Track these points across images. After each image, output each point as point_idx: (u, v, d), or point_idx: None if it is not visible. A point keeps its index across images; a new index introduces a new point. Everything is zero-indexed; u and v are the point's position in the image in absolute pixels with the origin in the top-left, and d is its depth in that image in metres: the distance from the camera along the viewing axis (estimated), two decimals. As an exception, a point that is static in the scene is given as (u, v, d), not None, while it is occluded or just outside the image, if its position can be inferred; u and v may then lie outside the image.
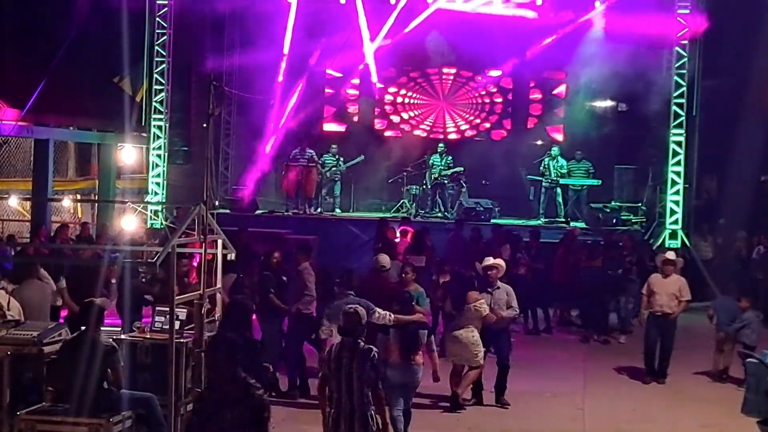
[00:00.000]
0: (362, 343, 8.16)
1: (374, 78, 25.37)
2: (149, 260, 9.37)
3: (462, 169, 23.56)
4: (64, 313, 13.43)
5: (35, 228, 20.59)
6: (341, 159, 23.92)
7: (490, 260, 13.04)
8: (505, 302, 12.52)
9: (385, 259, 12.90)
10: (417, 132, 26.63)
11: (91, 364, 9.04)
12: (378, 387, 8.12)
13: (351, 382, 7.95)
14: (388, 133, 26.63)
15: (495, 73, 26.09)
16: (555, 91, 26.10)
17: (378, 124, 26.81)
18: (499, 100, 26.39)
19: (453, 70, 26.41)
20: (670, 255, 15.07)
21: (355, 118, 26.88)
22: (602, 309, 17.69)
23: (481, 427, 11.77)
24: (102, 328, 9.52)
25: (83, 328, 9.31)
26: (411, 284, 12.53)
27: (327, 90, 26.86)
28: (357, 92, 26.85)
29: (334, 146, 24.18)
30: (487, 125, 26.40)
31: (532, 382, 13.32)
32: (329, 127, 26.88)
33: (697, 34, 21.92)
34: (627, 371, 14.81)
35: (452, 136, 26.19)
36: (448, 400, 12.34)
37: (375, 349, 8.25)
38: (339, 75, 26.54)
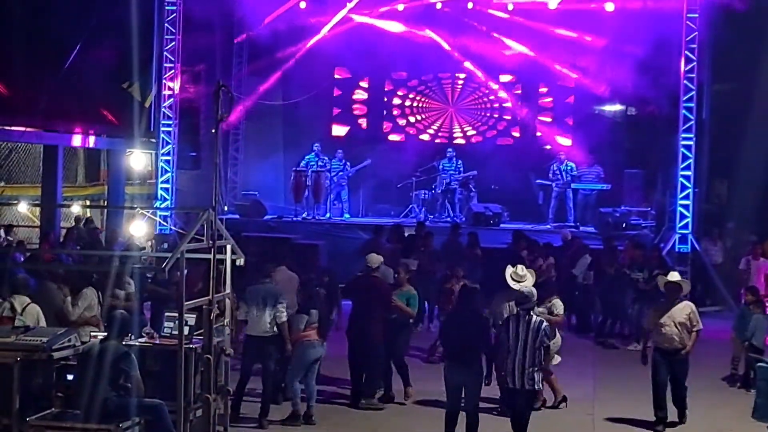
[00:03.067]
0: None
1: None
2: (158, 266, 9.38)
3: (475, 172, 23.58)
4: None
5: (44, 234, 20.61)
6: (348, 163, 23.94)
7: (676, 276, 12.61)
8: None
9: (373, 258, 13.01)
10: (425, 137, 26.67)
11: (105, 371, 9.06)
12: None
13: None
14: (394, 137, 26.65)
15: (505, 78, 26.13)
16: (564, 97, 26.07)
17: (386, 128, 26.83)
18: (509, 105, 26.39)
19: (463, 75, 26.41)
20: (675, 276, 12.56)
21: (363, 122, 26.91)
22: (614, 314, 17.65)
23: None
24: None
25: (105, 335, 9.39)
26: (405, 285, 13.22)
27: (336, 94, 26.95)
28: (366, 95, 26.90)
29: (340, 151, 24.19)
30: (497, 130, 26.40)
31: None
32: (337, 131, 26.92)
33: (707, 38, 21.83)
34: (638, 378, 14.74)
35: (460, 141, 26.20)
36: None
37: None
38: (352, 79, 26.67)
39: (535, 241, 18.89)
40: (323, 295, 14.14)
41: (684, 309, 12.08)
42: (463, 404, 10.80)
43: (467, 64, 25.88)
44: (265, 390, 12.02)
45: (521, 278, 12.09)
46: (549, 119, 26.19)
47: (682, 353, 11.99)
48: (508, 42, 25.00)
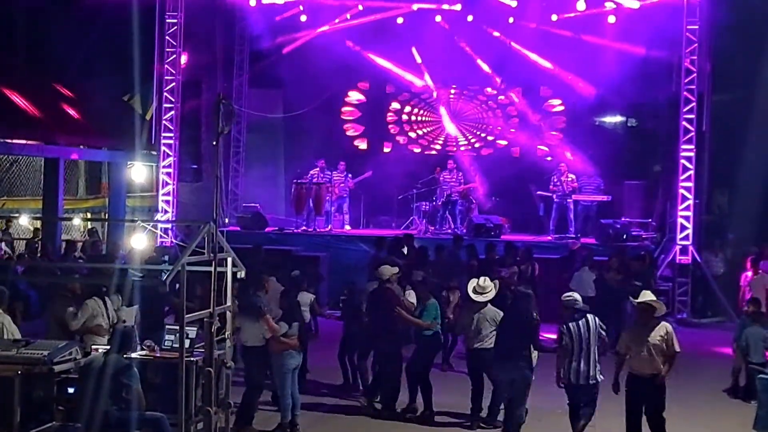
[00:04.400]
0: None
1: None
2: (159, 278, 9.38)
3: (474, 184, 23.60)
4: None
5: (43, 246, 20.65)
6: (349, 175, 23.97)
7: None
8: None
9: (385, 270, 13.16)
10: (425, 148, 26.73)
11: (106, 384, 9.06)
12: None
13: None
14: (399, 148, 26.72)
15: (506, 89, 26.24)
16: (565, 108, 26.09)
17: (387, 140, 26.88)
18: (508, 117, 26.43)
19: (465, 88, 26.48)
20: (648, 296, 11.15)
21: (364, 134, 26.96)
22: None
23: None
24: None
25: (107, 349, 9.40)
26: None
27: (337, 106, 27.04)
28: (367, 106, 26.98)
29: (342, 162, 24.21)
30: (497, 142, 26.43)
31: (543, 399, 13.23)
32: (339, 142, 26.94)
33: (707, 49, 21.86)
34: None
35: (461, 151, 26.22)
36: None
37: None
38: (353, 92, 26.79)
39: (516, 248, 18.94)
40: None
41: (659, 330, 10.85)
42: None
43: (467, 76, 25.95)
44: (250, 399, 12.04)
45: (484, 290, 12.22)
46: (549, 131, 26.17)
47: (658, 379, 10.82)
48: (507, 54, 25.03)
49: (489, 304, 12.30)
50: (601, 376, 11.08)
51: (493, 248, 19.03)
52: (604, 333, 11.14)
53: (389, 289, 13.08)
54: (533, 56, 24.98)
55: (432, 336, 13.06)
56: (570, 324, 10.98)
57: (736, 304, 19.12)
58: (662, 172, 23.56)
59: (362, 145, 26.86)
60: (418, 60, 25.79)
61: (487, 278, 12.51)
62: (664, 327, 10.90)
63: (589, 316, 11.04)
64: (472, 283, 12.36)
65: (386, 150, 26.72)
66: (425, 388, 12.87)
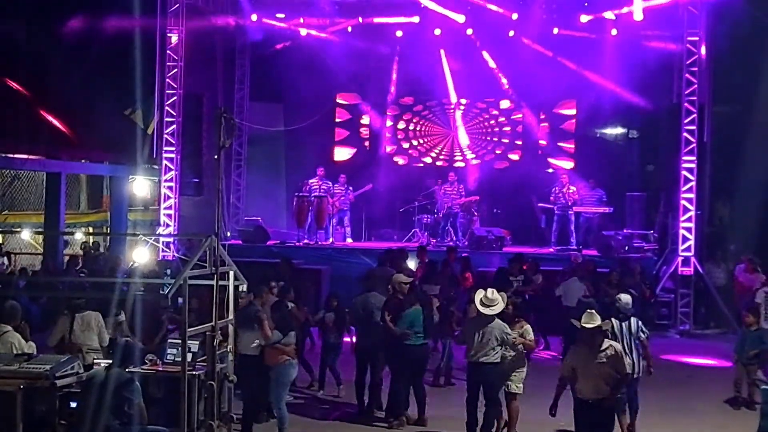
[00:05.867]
0: None
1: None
2: (161, 292, 9.40)
3: (477, 197, 23.61)
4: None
5: (45, 261, 20.68)
6: (350, 188, 23.98)
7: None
8: None
9: (399, 278, 13.18)
10: (427, 160, 26.79)
11: (108, 399, 9.05)
12: None
13: None
14: (398, 160, 26.77)
15: (505, 103, 26.30)
16: (566, 120, 26.13)
17: (389, 152, 26.93)
18: (509, 129, 26.49)
19: (465, 101, 26.53)
20: (594, 320, 10.24)
21: (365, 147, 27.01)
22: None
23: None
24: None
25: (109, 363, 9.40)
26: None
27: (338, 119, 27.11)
28: (368, 119, 27.06)
29: (342, 175, 24.22)
30: (498, 154, 26.48)
31: (542, 412, 13.21)
32: (339, 155, 27.03)
33: (708, 60, 21.88)
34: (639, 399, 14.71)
35: (461, 165, 26.26)
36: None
37: None
38: (354, 105, 26.85)
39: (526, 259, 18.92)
40: (332, 319, 14.28)
41: (607, 351, 10.11)
42: None
43: (468, 88, 26.01)
44: (250, 411, 11.97)
45: (492, 302, 11.88)
46: (550, 143, 26.21)
47: (605, 403, 10.06)
48: (509, 66, 25.10)
49: (497, 319, 11.89)
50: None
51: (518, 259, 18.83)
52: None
53: (399, 299, 13.02)
54: (531, 71, 24.98)
55: (408, 345, 12.79)
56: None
57: (739, 314, 19.12)
58: (655, 172, 23.50)
59: (363, 157, 26.87)
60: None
61: (495, 290, 12.14)
62: (613, 348, 10.22)
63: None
64: (479, 295, 12.00)
65: (391, 162, 26.72)
66: (398, 400, 12.82)
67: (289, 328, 11.98)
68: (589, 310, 10.46)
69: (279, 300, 12.99)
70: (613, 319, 11.73)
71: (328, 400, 14.24)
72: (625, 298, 12.29)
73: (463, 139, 26.46)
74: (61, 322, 12.20)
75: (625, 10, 22.97)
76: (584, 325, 10.19)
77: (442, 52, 25.42)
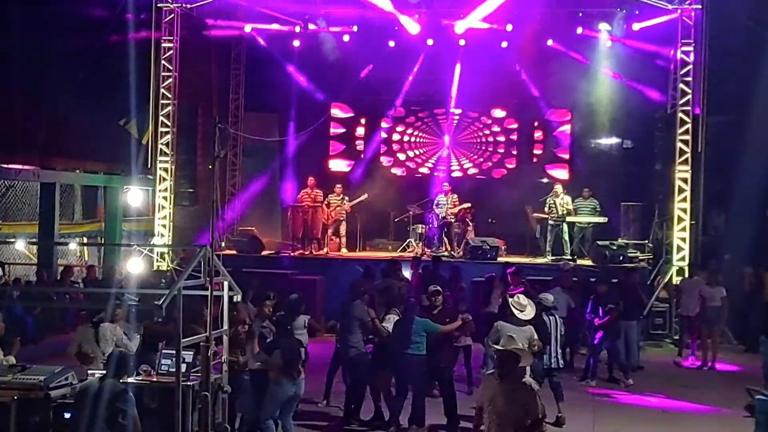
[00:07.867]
0: None
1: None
2: (155, 302, 9.35)
3: (469, 205, 23.57)
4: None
5: (39, 271, 20.61)
6: (345, 198, 23.95)
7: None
8: None
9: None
10: (422, 170, 26.82)
11: (102, 409, 9.01)
12: None
13: None
14: (395, 171, 26.83)
15: (500, 113, 26.35)
16: (560, 130, 26.18)
17: (384, 163, 26.95)
18: (503, 139, 26.54)
19: (459, 111, 26.55)
20: (510, 343, 8.79)
21: (360, 157, 27.03)
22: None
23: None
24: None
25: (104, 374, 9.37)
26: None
27: (333, 129, 27.14)
28: (362, 130, 27.08)
29: (338, 186, 24.20)
30: (493, 163, 26.51)
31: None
32: (334, 166, 27.04)
33: (702, 70, 21.90)
34: (636, 408, 14.70)
35: (457, 175, 26.29)
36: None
37: None
38: (348, 115, 26.89)
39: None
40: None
41: (519, 391, 8.34)
42: None
43: (462, 98, 26.02)
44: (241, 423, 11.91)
45: (523, 307, 12.02)
46: (545, 152, 26.25)
47: None
48: (502, 75, 25.12)
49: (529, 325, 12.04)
50: None
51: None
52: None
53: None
54: (525, 81, 25.08)
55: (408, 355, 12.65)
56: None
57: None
58: (649, 181, 23.49)
59: (358, 167, 26.87)
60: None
61: (522, 296, 12.38)
62: (525, 387, 8.38)
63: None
64: (511, 302, 12.14)
65: (386, 172, 26.73)
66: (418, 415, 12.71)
67: (275, 346, 11.75)
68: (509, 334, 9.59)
69: (282, 315, 12.74)
70: (543, 314, 13.07)
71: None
72: (546, 296, 13.73)
73: (456, 149, 26.51)
74: (80, 332, 12.18)
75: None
76: (495, 347, 8.89)
77: (432, 60, 25.44)
